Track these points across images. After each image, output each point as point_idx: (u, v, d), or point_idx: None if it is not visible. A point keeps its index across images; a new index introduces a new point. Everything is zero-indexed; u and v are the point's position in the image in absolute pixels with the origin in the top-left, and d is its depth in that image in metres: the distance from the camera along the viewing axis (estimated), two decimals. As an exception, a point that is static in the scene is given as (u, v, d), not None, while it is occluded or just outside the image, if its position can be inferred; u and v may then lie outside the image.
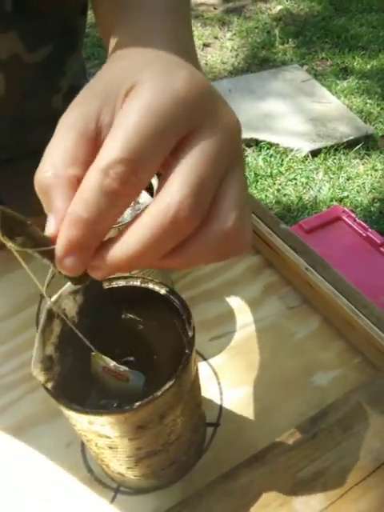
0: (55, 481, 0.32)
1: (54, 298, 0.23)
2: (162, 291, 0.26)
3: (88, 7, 0.51)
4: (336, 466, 0.29)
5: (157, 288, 0.27)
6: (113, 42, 0.28)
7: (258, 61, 2.06)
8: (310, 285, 0.41)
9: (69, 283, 0.22)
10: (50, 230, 0.18)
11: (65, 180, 0.18)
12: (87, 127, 0.18)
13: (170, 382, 0.22)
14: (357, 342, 0.39)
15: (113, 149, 0.17)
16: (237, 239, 0.18)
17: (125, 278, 0.27)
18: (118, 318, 0.28)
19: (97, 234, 0.17)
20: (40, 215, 0.20)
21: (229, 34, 2.21)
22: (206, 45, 2.12)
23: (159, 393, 0.22)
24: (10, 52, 0.44)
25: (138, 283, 0.27)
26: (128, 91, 0.18)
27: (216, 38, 2.18)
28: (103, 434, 0.23)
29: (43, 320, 0.22)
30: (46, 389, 0.22)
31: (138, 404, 0.21)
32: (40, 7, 0.45)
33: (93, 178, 0.17)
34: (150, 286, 0.27)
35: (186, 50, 0.26)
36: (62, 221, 0.18)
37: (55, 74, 0.51)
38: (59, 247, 0.18)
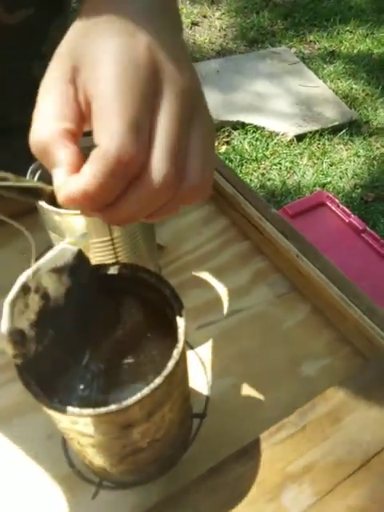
0: (35, 474, 0.31)
1: (30, 271, 0.21)
2: (153, 280, 0.25)
3: None
4: (325, 459, 0.29)
5: (146, 277, 0.25)
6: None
7: (247, 42, 2.01)
8: (300, 272, 0.40)
9: (46, 258, 0.21)
10: (59, 182, 0.19)
11: (60, 133, 0.19)
12: (66, 87, 0.20)
13: (160, 380, 0.20)
14: (346, 332, 0.38)
15: (116, 132, 0.18)
16: (202, 190, 0.20)
17: (114, 265, 0.25)
18: (106, 305, 0.26)
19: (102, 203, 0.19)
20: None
21: (218, 13, 2.15)
22: (194, 23, 2.06)
23: (148, 391, 0.20)
24: None
25: (127, 271, 0.25)
26: (93, 63, 0.19)
27: (205, 16, 2.12)
28: (87, 433, 0.21)
29: (15, 291, 0.20)
30: (27, 387, 0.20)
31: (125, 403, 0.20)
32: None
33: (105, 164, 0.18)
34: (140, 274, 0.25)
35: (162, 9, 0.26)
36: (74, 169, 0.19)
37: (36, 38, 0.47)
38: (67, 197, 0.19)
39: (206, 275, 0.43)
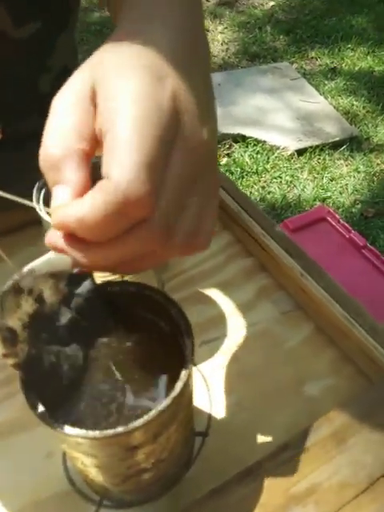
0: (35, 491, 0.30)
1: (24, 270, 0.21)
2: (160, 299, 0.25)
3: None
4: (329, 481, 0.29)
5: (153, 295, 0.25)
6: (119, 19, 0.26)
7: (249, 56, 2.04)
8: (303, 290, 0.40)
9: (41, 260, 0.21)
10: (60, 200, 0.18)
11: (77, 152, 0.18)
12: (88, 106, 0.19)
13: (168, 401, 0.20)
14: (349, 351, 0.38)
15: (130, 188, 0.17)
16: (192, 249, 0.20)
17: (121, 282, 0.25)
18: (105, 320, 0.26)
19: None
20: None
21: (220, 28, 2.18)
22: (196, 36, 2.08)
23: (155, 413, 0.20)
24: None
25: (134, 289, 0.25)
26: (113, 95, 0.18)
27: (207, 30, 2.15)
28: (92, 453, 0.21)
29: (6, 287, 0.20)
30: (37, 414, 0.20)
31: (132, 426, 0.19)
32: None
33: (113, 201, 0.17)
34: (147, 292, 0.25)
35: (200, 23, 0.25)
36: (79, 194, 0.18)
37: (43, 51, 0.48)
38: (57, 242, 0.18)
39: (209, 291, 0.43)
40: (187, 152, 0.18)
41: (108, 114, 0.18)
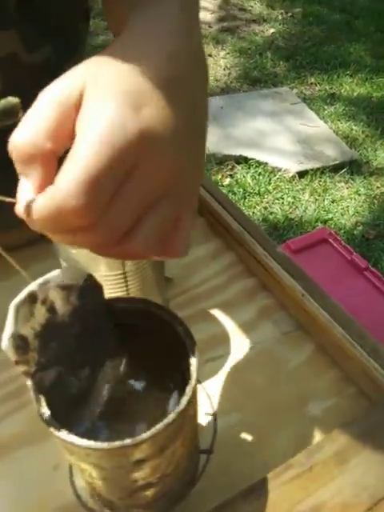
0: (41, 505, 0.31)
1: (39, 281, 0.22)
2: (165, 316, 0.26)
3: (90, 15, 0.51)
4: (333, 501, 0.29)
5: (159, 312, 0.26)
6: (123, 30, 0.27)
7: (250, 81, 2.09)
8: (305, 311, 0.41)
9: (55, 272, 0.23)
10: (27, 195, 0.19)
11: (46, 153, 0.19)
12: (67, 110, 0.20)
13: (174, 415, 0.21)
14: (351, 372, 0.38)
15: (62, 196, 0.18)
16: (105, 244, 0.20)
17: (127, 299, 0.26)
18: (112, 334, 0.27)
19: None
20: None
21: (222, 53, 2.24)
22: (200, 62, 2.15)
23: (162, 426, 0.21)
24: (7, 50, 0.43)
25: (141, 306, 0.26)
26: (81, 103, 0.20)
27: (210, 55, 2.21)
28: (100, 465, 0.22)
29: (22, 296, 0.21)
30: (45, 421, 0.21)
31: (139, 438, 0.20)
32: (42, 8, 0.44)
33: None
34: (153, 309, 0.26)
35: (198, 49, 0.27)
36: (39, 189, 0.19)
37: (52, 77, 0.50)
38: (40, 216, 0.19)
39: (212, 309, 0.43)
40: (145, 177, 0.20)
41: (79, 129, 0.19)
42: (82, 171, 0.18)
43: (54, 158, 0.20)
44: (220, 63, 2.17)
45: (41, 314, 0.22)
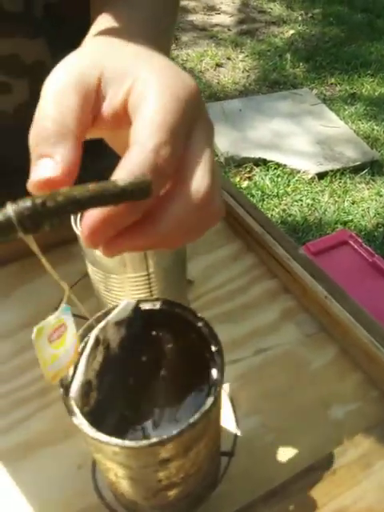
0: (64, 504, 0.31)
1: (101, 325, 0.23)
2: (190, 317, 0.26)
3: None
4: (356, 505, 0.28)
5: (184, 313, 0.26)
6: (100, 21, 0.29)
7: (269, 83, 2.09)
8: (328, 313, 0.40)
9: (114, 313, 0.23)
10: (49, 173, 0.18)
11: (74, 134, 0.19)
12: (88, 94, 0.20)
13: (199, 415, 0.21)
14: (374, 375, 0.38)
15: (156, 133, 0.18)
16: (210, 204, 0.20)
17: (152, 300, 0.26)
18: (150, 348, 0.27)
19: (138, 211, 0.18)
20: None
21: (241, 56, 2.24)
22: (218, 65, 2.15)
23: (188, 426, 0.21)
24: (35, 58, 0.45)
25: (164, 307, 0.26)
26: (134, 83, 0.20)
27: (229, 58, 2.21)
28: (126, 464, 0.22)
29: (91, 345, 0.22)
30: (75, 418, 0.21)
31: (166, 437, 0.20)
32: (68, 13, 0.45)
33: (143, 157, 0.18)
34: (177, 310, 0.26)
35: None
36: (68, 170, 0.18)
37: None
38: (92, 224, 0.18)
39: (233, 311, 0.43)
40: (207, 132, 0.20)
41: (140, 95, 0.20)
42: (164, 128, 0.18)
43: (80, 145, 0.19)
44: (239, 66, 2.17)
45: (100, 353, 0.23)
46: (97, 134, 0.23)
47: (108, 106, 0.20)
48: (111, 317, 0.23)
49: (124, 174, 0.18)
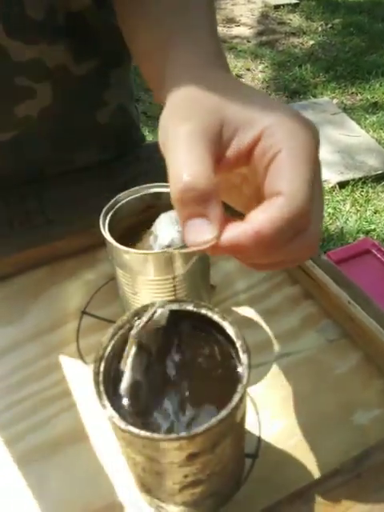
0: (89, 504, 0.32)
1: (140, 328, 0.25)
2: (215, 317, 0.27)
3: None
4: (382, 509, 0.28)
5: (210, 313, 0.27)
6: (174, 58, 0.29)
7: (289, 93, 2.10)
8: (351, 319, 0.41)
9: (157, 316, 0.25)
10: (209, 234, 0.19)
11: (216, 189, 0.20)
12: (216, 142, 0.21)
13: (226, 411, 0.22)
14: (399, 381, 0.38)
15: (300, 201, 0.20)
16: (316, 243, 0.22)
17: (178, 302, 0.27)
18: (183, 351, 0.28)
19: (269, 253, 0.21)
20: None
21: (261, 67, 2.26)
22: (238, 76, 2.18)
23: (215, 421, 0.21)
24: (57, 62, 0.47)
25: (191, 308, 0.27)
26: (263, 131, 0.21)
27: (248, 69, 2.24)
28: (154, 458, 0.23)
29: (135, 348, 0.24)
30: (104, 407, 0.22)
31: (194, 431, 0.21)
32: (92, 21, 0.47)
33: (291, 209, 0.19)
34: (203, 311, 0.27)
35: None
36: (221, 225, 0.20)
37: (99, 87, 0.53)
38: (231, 246, 0.20)
39: (255, 316, 0.44)
40: (319, 177, 0.22)
41: (275, 142, 0.20)
42: (306, 178, 0.20)
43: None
44: (258, 77, 2.19)
45: (143, 357, 0.25)
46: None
47: (232, 152, 0.21)
48: (149, 322, 0.24)
49: (267, 220, 0.19)
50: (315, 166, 0.21)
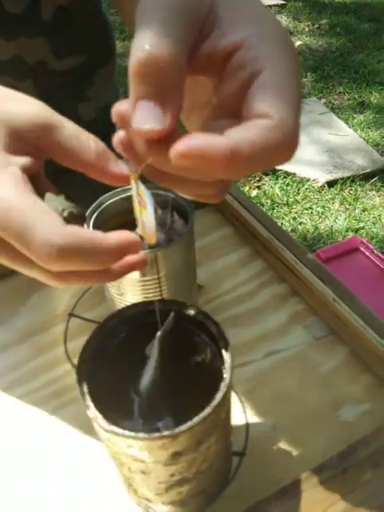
0: (79, 501, 0.32)
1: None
2: (199, 316, 0.27)
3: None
4: (367, 504, 0.29)
5: (193, 313, 0.27)
6: None
7: (277, 93, 2.10)
8: (337, 316, 0.41)
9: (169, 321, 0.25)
10: (161, 125, 0.16)
11: (180, 75, 0.17)
12: (193, 26, 0.17)
13: (209, 409, 0.22)
14: (384, 377, 0.38)
15: (290, 129, 0.17)
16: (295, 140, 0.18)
17: (162, 301, 0.27)
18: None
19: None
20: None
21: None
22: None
23: (198, 420, 0.22)
24: (37, 58, 0.46)
25: (175, 307, 0.27)
26: (244, 40, 0.18)
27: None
28: (139, 457, 0.23)
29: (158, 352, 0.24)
30: (90, 412, 0.22)
31: (177, 430, 0.21)
32: (77, 22, 0.47)
33: (276, 132, 0.16)
34: (187, 310, 0.27)
35: None
36: (173, 123, 0.16)
37: (82, 83, 0.52)
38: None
39: (242, 315, 0.44)
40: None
41: (257, 56, 0.17)
42: (295, 99, 0.17)
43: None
44: (247, 77, 2.19)
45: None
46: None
47: (206, 48, 0.18)
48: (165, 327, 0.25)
49: (248, 140, 0.16)
50: (300, 91, 0.18)
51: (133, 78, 0.17)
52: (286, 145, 0.17)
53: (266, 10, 0.19)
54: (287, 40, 0.19)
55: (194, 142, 0.16)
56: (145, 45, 0.16)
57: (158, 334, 0.25)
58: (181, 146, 0.16)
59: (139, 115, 0.16)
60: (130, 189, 0.39)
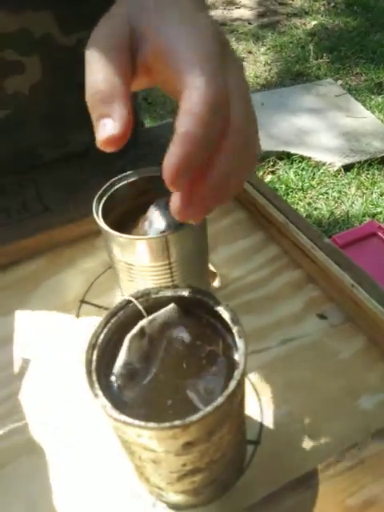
0: (88, 491, 0.32)
1: (150, 318, 0.25)
2: (211, 302, 0.26)
3: None
4: (387, 496, 0.28)
5: (205, 299, 0.26)
6: None
7: (292, 75, 2.06)
8: (355, 302, 0.39)
9: (161, 312, 0.25)
10: (111, 132, 0.21)
11: (124, 92, 0.21)
12: (127, 50, 0.22)
13: (222, 399, 0.21)
14: (405, 365, 0.37)
15: (212, 83, 0.20)
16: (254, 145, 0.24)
17: (173, 288, 0.27)
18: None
19: (207, 150, 0.20)
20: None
21: (263, 49, 2.22)
22: (239, 59, 2.14)
23: (210, 409, 0.21)
24: (43, 31, 0.45)
25: (186, 294, 0.26)
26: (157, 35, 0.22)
27: (250, 52, 2.20)
28: (150, 447, 0.22)
29: (134, 332, 0.24)
30: (97, 397, 0.21)
31: (188, 420, 0.20)
32: None
33: (206, 106, 0.20)
34: (198, 296, 0.26)
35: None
36: (125, 126, 0.21)
37: None
38: (176, 161, 0.20)
39: (257, 302, 0.43)
40: (240, 71, 0.23)
41: (178, 50, 0.21)
42: (207, 66, 0.20)
43: (130, 99, 0.22)
44: (260, 59, 2.14)
45: (145, 345, 0.25)
46: (141, 84, 0.25)
47: (139, 58, 0.22)
48: (159, 315, 0.24)
49: (190, 119, 0.20)
50: (219, 49, 0.21)
51: (89, 107, 0.22)
52: (216, 100, 0.20)
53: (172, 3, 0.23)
54: (194, 20, 0.22)
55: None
56: (89, 81, 0.22)
57: (141, 322, 0.25)
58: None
59: (98, 131, 0.21)
60: (138, 173, 0.38)
